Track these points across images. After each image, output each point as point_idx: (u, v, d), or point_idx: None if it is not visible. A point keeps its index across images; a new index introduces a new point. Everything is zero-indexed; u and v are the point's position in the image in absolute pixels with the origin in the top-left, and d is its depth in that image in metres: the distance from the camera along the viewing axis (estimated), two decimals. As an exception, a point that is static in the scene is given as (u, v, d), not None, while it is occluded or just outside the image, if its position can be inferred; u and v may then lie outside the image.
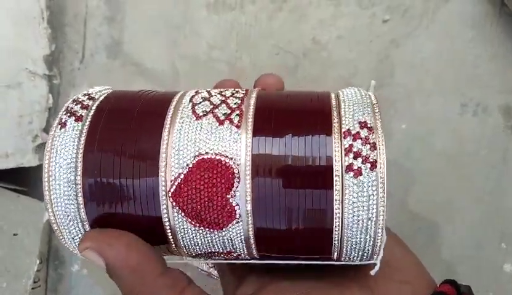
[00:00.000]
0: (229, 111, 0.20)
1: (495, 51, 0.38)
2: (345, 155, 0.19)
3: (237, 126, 0.20)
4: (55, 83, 0.48)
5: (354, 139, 0.19)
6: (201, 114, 0.21)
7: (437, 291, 0.22)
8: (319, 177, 0.19)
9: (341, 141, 0.20)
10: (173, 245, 0.21)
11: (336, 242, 0.20)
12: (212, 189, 0.20)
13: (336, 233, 0.20)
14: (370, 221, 0.19)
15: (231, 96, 0.21)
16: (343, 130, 0.20)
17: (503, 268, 0.39)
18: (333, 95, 0.22)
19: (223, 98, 0.21)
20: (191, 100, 0.22)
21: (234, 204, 0.20)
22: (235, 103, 0.21)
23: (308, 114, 0.21)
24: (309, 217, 0.20)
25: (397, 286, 0.22)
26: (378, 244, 0.20)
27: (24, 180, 0.50)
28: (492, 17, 0.38)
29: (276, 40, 0.42)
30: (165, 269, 0.21)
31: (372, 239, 0.20)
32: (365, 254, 0.21)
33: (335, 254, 0.21)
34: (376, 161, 0.19)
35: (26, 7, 0.45)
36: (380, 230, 0.20)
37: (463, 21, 0.39)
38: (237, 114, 0.20)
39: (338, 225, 0.20)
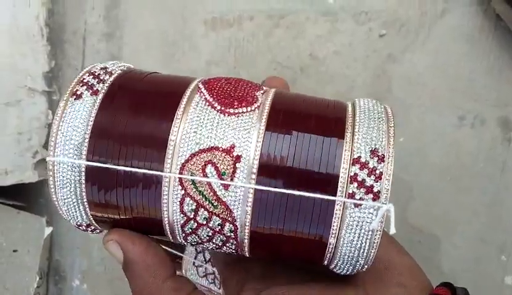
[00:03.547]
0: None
1: (490, 65, 0.39)
2: (352, 179, 0.19)
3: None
4: (54, 100, 0.49)
5: (362, 167, 0.19)
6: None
7: (432, 294, 0.22)
8: (323, 184, 0.19)
9: (351, 152, 0.19)
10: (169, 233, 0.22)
11: (329, 254, 0.20)
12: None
13: (331, 244, 0.20)
14: (366, 240, 0.19)
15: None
16: (354, 144, 0.20)
17: (504, 281, 0.39)
18: (349, 107, 0.22)
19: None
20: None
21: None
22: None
23: (322, 120, 0.21)
24: (307, 222, 0.20)
25: (393, 288, 0.23)
26: (370, 260, 0.20)
27: (24, 196, 0.50)
28: (487, 31, 0.39)
29: (273, 56, 0.42)
30: (173, 273, 0.23)
31: (365, 257, 0.20)
32: (355, 268, 0.21)
33: (326, 262, 0.21)
34: (379, 191, 0.19)
35: (25, 25, 0.46)
36: (373, 250, 0.20)
37: (459, 35, 0.39)
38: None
39: (334, 236, 0.20)
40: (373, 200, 0.19)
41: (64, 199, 0.21)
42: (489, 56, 0.39)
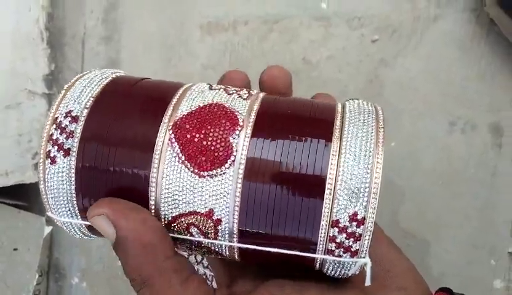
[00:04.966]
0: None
1: (482, 71, 0.39)
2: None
3: None
4: (54, 101, 0.50)
5: (340, 231, 0.19)
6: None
7: None
8: (310, 188, 0.19)
9: (338, 157, 0.19)
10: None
11: (318, 258, 0.21)
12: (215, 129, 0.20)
13: (321, 246, 0.20)
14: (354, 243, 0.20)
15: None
16: (342, 147, 0.20)
17: (494, 285, 0.40)
18: (339, 106, 0.22)
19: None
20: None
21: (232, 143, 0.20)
22: None
23: (309, 123, 0.21)
24: (295, 225, 0.20)
25: (393, 292, 0.23)
26: (359, 266, 0.20)
27: (25, 196, 0.51)
28: (479, 37, 0.39)
29: (267, 60, 0.43)
30: (174, 253, 0.20)
31: (354, 262, 0.20)
32: (346, 272, 0.21)
33: (317, 265, 0.21)
34: (357, 249, 0.19)
35: (25, 29, 0.47)
36: (364, 251, 0.20)
37: (451, 41, 0.39)
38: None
39: (323, 240, 0.20)
40: (352, 256, 0.20)
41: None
42: (480, 61, 0.39)
